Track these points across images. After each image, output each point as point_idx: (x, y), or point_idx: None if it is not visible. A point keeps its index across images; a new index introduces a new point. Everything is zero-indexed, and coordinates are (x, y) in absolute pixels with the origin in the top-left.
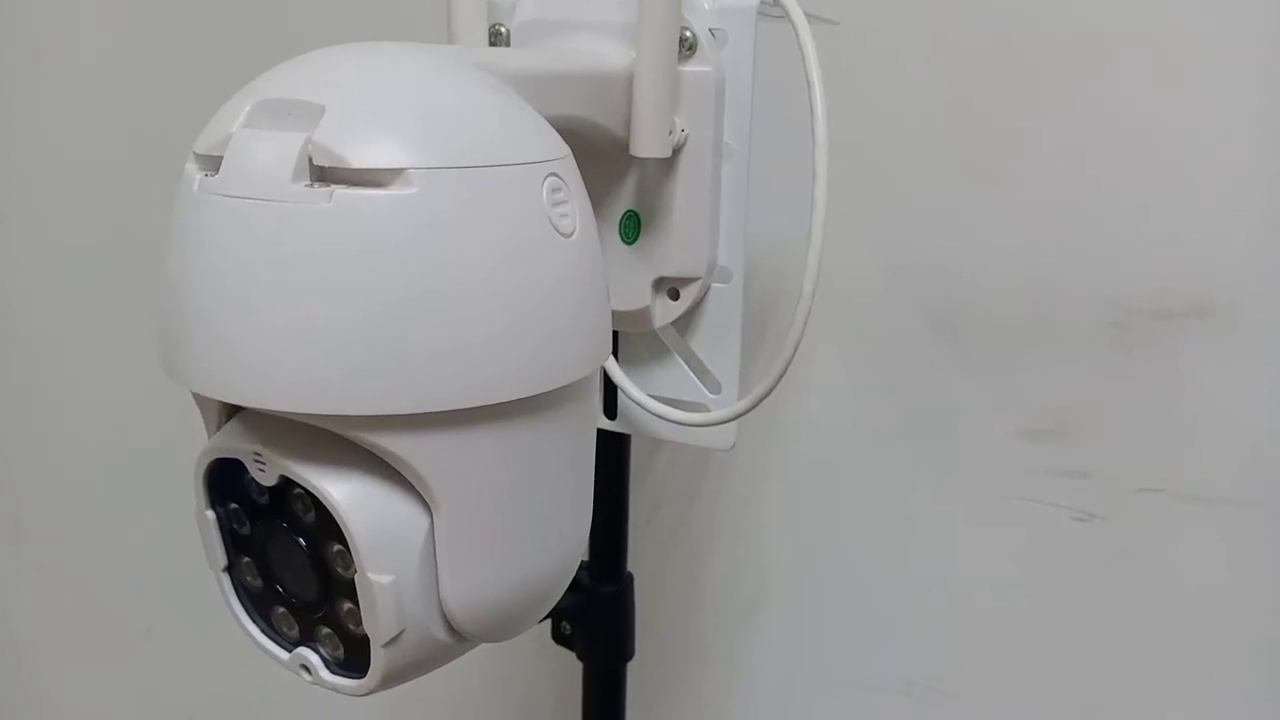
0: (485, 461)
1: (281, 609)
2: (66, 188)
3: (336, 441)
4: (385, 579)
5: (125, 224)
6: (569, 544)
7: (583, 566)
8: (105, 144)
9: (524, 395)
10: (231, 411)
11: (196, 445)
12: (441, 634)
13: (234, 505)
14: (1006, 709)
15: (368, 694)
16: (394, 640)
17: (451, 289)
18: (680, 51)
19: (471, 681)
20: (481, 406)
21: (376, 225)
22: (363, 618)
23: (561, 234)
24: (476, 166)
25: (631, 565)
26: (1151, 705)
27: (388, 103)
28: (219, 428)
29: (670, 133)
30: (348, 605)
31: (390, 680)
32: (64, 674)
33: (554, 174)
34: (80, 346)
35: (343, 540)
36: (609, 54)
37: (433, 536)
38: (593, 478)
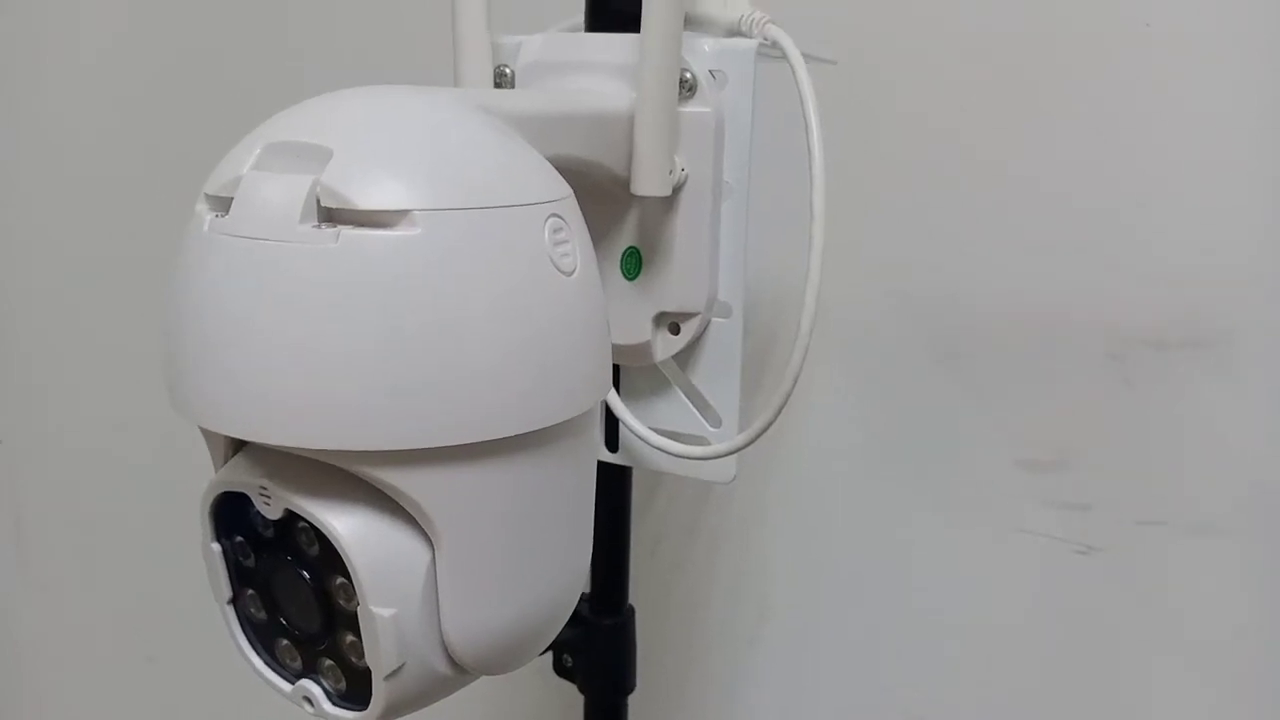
0: (487, 496)
1: (285, 641)
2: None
3: (341, 476)
4: (387, 612)
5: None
6: (570, 577)
7: (584, 599)
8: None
9: (525, 430)
10: (238, 445)
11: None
12: (443, 666)
13: (239, 538)
14: None
15: None
16: (395, 673)
17: (455, 327)
18: (680, 92)
19: (474, 713)
20: (483, 442)
21: (382, 265)
22: (365, 650)
23: (563, 272)
24: (480, 208)
25: (634, 598)
26: None
27: (393, 146)
28: (225, 461)
29: (670, 172)
30: (350, 638)
31: (392, 712)
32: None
33: (555, 214)
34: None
35: (346, 573)
36: (611, 95)
37: (434, 570)
38: (593, 511)
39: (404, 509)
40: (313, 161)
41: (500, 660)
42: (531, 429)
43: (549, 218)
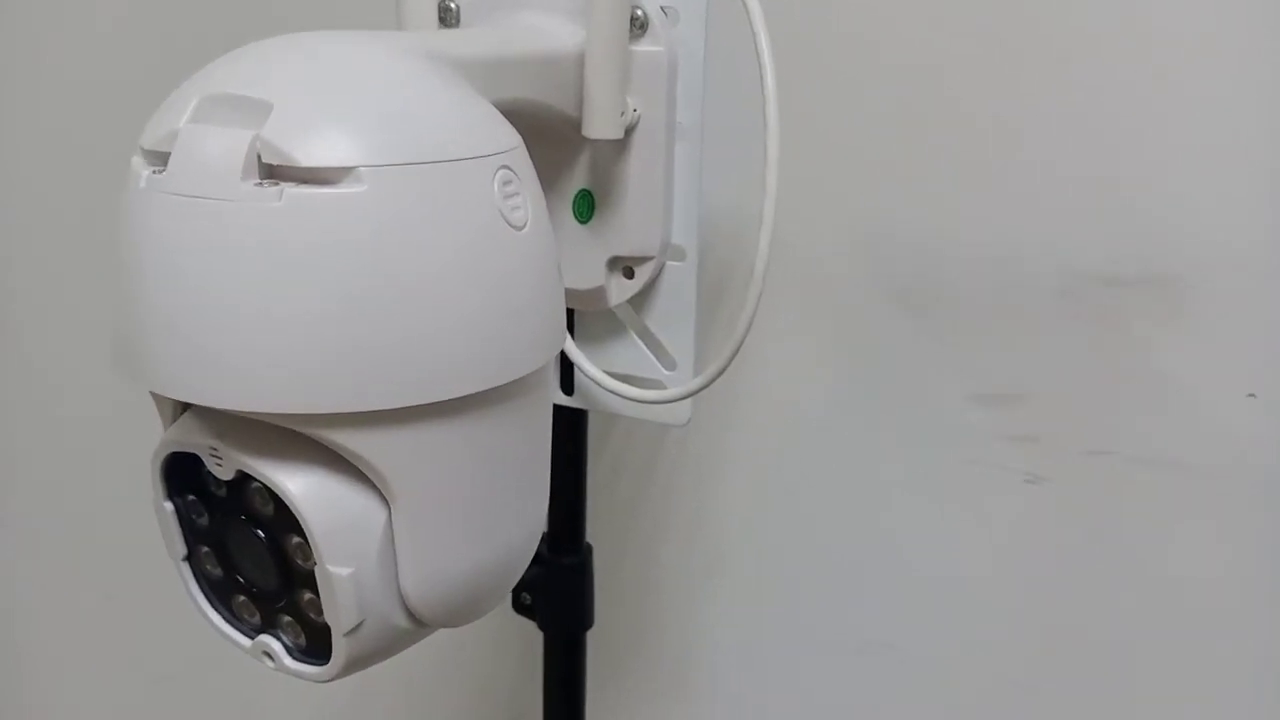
0: (441, 455)
1: (242, 597)
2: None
3: (293, 436)
4: (345, 571)
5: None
6: (526, 530)
7: (542, 539)
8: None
9: (479, 390)
10: (187, 403)
11: None
12: (402, 621)
13: (192, 496)
14: (961, 666)
15: (330, 680)
16: (355, 629)
17: (403, 286)
18: (632, 31)
19: (434, 650)
20: (437, 402)
21: (327, 224)
22: (323, 608)
23: (513, 227)
24: (426, 163)
25: (592, 535)
26: (1104, 657)
27: (336, 99)
28: (174, 419)
29: (622, 113)
30: (308, 595)
31: (352, 667)
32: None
33: (505, 166)
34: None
35: (301, 533)
36: (559, 33)
37: (391, 528)
38: (549, 463)
39: (358, 468)
40: (252, 115)
41: (459, 613)
42: (485, 388)
43: (498, 170)
